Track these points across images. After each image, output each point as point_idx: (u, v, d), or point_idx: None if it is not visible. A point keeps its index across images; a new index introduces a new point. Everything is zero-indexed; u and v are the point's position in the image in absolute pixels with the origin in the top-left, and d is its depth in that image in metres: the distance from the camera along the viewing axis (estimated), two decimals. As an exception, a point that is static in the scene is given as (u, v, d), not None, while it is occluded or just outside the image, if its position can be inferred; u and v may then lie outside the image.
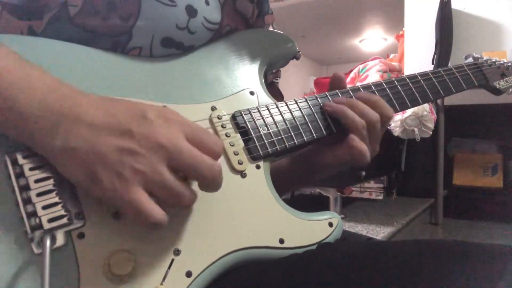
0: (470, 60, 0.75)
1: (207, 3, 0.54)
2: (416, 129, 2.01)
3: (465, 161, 2.71)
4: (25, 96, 0.36)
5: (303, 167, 0.60)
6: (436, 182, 2.40)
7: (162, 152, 0.37)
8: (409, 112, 1.98)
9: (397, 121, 2.02)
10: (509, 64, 0.78)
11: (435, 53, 2.32)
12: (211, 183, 0.40)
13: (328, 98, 0.56)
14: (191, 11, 0.52)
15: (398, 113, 2.01)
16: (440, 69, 0.67)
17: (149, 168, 0.36)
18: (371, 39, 5.99)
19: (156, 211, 0.36)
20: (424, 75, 0.64)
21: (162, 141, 0.37)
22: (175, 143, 0.37)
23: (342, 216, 2.14)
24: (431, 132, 2.05)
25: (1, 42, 0.39)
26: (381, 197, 2.50)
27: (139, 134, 0.37)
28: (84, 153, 0.36)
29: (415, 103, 0.62)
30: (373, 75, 2.38)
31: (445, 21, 2.33)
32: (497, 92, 0.75)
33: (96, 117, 0.37)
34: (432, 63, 2.32)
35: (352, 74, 2.60)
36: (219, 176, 0.40)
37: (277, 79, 0.71)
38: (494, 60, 0.77)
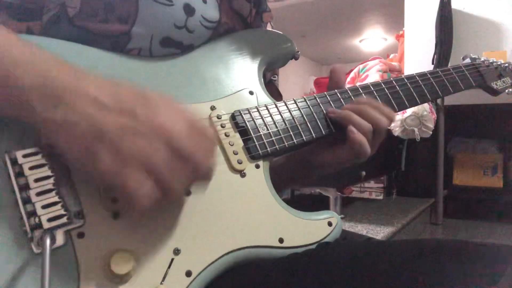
0: (468, 60, 0.76)
1: (205, 1, 0.54)
2: (416, 129, 2.01)
3: (465, 161, 2.71)
4: (29, 69, 0.36)
5: (301, 166, 0.60)
6: (436, 182, 2.40)
7: (163, 134, 0.37)
8: (409, 112, 1.98)
9: (397, 121, 2.02)
10: (506, 65, 0.79)
11: (435, 53, 2.32)
12: (205, 173, 0.40)
13: (327, 98, 0.56)
14: (189, 10, 0.52)
15: (398, 113, 2.01)
16: (438, 69, 0.67)
17: (148, 148, 0.36)
18: (371, 39, 5.99)
19: (150, 192, 0.36)
20: (422, 75, 0.64)
21: (164, 124, 0.37)
22: (177, 128, 0.38)
23: (342, 216, 2.14)
24: (431, 132, 2.05)
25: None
26: (381, 197, 2.50)
27: (142, 114, 0.37)
28: (85, 128, 0.36)
29: (413, 103, 0.62)
30: (373, 75, 2.39)
31: (445, 21, 2.33)
32: (494, 92, 0.76)
33: (100, 94, 0.37)
34: (432, 63, 2.32)
35: (352, 74, 2.60)
36: (213, 164, 0.40)
37: (275, 77, 0.71)
38: (491, 61, 0.78)
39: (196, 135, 0.39)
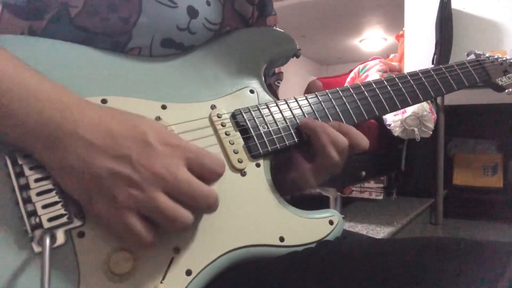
0: (472, 57, 0.74)
1: (208, 3, 0.54)
2: (416, 129, 2.01)
3: (465, 161, 2.71)
4: (22, 106, 0.36)
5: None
6: (436, 182, 2.40)
7: (158, 182, 0.37)
8: (409, 112, 1.98)
9: (397, 121, 2.02)
10: None
11: (435, 53, 2.33)
12: (206, 211, 0.41)
13: (329, 96, 0.56)
14: (192, 12, 0.52)
15: (398, 113, 2.01)
16: (441, 66, 0.66)
17: (143, 195, 0.36)
18: (371, 39, 5.99)
19: (146, 236, 0.37)
20: (425, 72, 0.64)
21: (159, 172, 0.37)
22: (173, 173, 0.37)
23: (342, 216, 2.14)
24: (431, 132, 2.05)
25: (1, 46, 0.39)
26: (381, 197, 2.50)
27: (137, 161, 0.37)
28: (80, 173, 0.36)
29: (416, 100, 0.61)
30: (373, 75, 2.38)
31: (445, 21, 2.33)
32: (499, 89, 0.75)
33: (95, 137, 0.37)
34: (432, 63, 2.32)
35: (352, 74, 2.60)
36: (215, 204, 0.40)
37: (279, 82, 0.71)
38: (496, 56, 0.76)
39: (199, 170, 0.39)
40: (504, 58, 0.77)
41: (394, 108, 0.59)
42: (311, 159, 0.52)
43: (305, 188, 0.53)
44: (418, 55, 2.54)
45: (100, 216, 0.37)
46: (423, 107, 1.98)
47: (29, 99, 0.36)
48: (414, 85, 0.61)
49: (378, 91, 0.59)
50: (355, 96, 0.57)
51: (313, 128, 0.51)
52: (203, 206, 0.39)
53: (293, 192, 0.59)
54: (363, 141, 0.52)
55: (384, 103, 0.58)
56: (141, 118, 0.40)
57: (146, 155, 0.37)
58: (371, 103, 0.57)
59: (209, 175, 0.40)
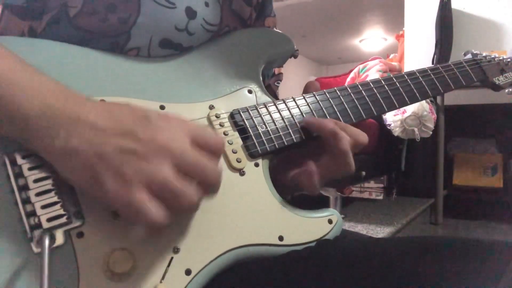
0: (469, 56, 0.74)
1: (207, 4, 0.54)
2: (416, 129, 2.01)
3: (465, 161, 2.72)
4: (26, 95, 0.36)
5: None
6: (436, 182, 2.40)
7: (166, 155, 0.37)
8: (409, 112, 1.98)
9: (397, 121, 2.02)
10: (509, 60, 0.77)
11: (435, 53, 2.33)
12: (213, 185, 0.40)
13: (326, 96, 0.56)
14: (191, 13, 0.52)
15: (398, 113, 2.01)
16: (438, 65, 0.66)
17: (152, 169, 0.36)
18: (371, 39, 6.00)
19: (156, 211, 0.36)
20: (422, 71, 0.64)
21: (166, 144, 0.37)
22: (180, 146, 0.37)
23: (342, 216, 2.14)
24: (431, 132, 2.05)
25: (1, 44, 0.39)
26: (381, 197, 2.50)
27: (143, 136, 0.37)
28: (86, 154, 0.36)
29: (414, 100, 0.61)
30: (373, 75, 2.39)
31: (445, 21, 2.33)
32: (496, 88, 0.75)
33: (99, 118, 0.37)
34: (432, 63, 2.32)
35: (352, 74, 2.60)
36: (220, 179, 0.40)
37: (278, 83, 0.71)
38: (493, 56, 0.76)
39: (200, 146, 0.39)
40: (501, 58, 0.77)
41: (392, 108, 0.59)
42: (317, 157, 0.52)
43: (309, 187, 0.53)
44: (418, 55, 2.54)
45: (108, 197, 0.36)
46: (423, 107, 1.98)
47: (33, 90, 0.37)
48: (411, 85, 0.61)
49: (375, 91, 0.59)
50: (352, 96, 0.57)
51: (321, 124, 0.51)
52: (210, 180, 0.39)
53: (297, 191, 0.59)
54: (362, 136, 0.52)
55: (382, 102, 0.58)
56: (139, 104, 0.41)
57: (150, 130, 0.37)
58: (369, 102, 0.58)
59: (211, 150, 0.40)
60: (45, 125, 0.36)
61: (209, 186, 0.40)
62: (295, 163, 0.53)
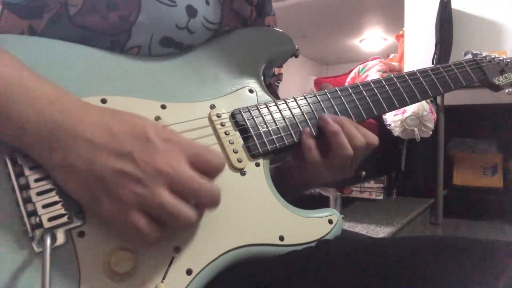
0: (469, 56, 0.75)
1: (207, 3, 0.54)
2: (416, 129, 2.01)
3: (465, 161, 2.71)
4: (23, 108, 0.36)
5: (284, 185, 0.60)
6: (436, 182, 2.40)
7: (162, 178, 0.36)
8: (409, 112, 1.98)
9: (397, 121, 2.02)
10: (509, 60, 0.78)
11: (435, 53, 2.33)
12: (209, 206, 0.40)
13: (327, 96, 0.56)
14: (191, 11, 0.52)
15: (398, 113, 2.01)
16: (439, 65, 0.66)
17: (148, 192, 0.36)
18: (371, 39, 5.99)
19: (151, 232, 0.37)
20: (423, 71, 0.64)
21: (162, 168, 0.36)
22: (176, 168, 0.37)
23: (342, 216, 2.14)
24: (431, 132, 2.05)
25: (1, 48, 0.39)
26: (381, 197, 2.50)
27: (140, 158, 0.36)
28: (82, 172, 0.36)
29: (414, 100, 0.62)
30: (373, 75, 2.38)
31: (445, 21, 2.33)
32: (496, 88, 0.75)
33: (96, 135, 0.37)
34: (432, 63, 2.32)
35: (352, 74, 2.60)
36: (218, 199, 0.40)
37: (278, 83, 0.71)
38: (493, 56, 0.76)
39: (200, 166, 0.39)
40: (501, 58, 0.77)
41: (392, 108, 0.59)
42: (324, 155, 0.53)
43: (314, 185, 0.54)
44: (418, 55, 2.53)
45: (104, 216, 0.37)
46: (423, 107, 1.98)
47: (29, 100, 0.36)
48: (412, 85, 0.62)
49: (376, 91, 0.59)
50: (353, 96, 0.57)
51: (333, 130, 0.52)
52: (207, 201, 0.39)
53: (301, 190, 0.59)
54: (373, 137, 0.54)
55: (383, 102, 0.58)
56: (140, 117, 0.40)
57: (148, 152, 0.37)
58: (370, 102, 0.58)
59: (210, 171, 0.40)
60: (42, 139, 0.36)
61: (206, 207, 0.40)
62: (304, 161, 0.53)
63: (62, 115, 0.37)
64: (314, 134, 0.53)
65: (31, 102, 0.36)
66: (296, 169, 0.57)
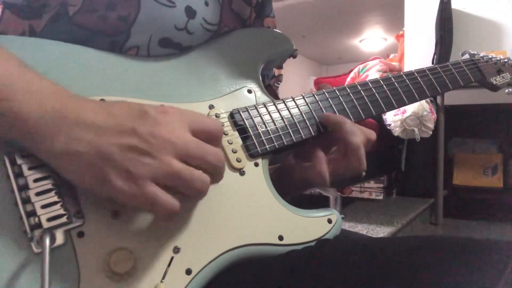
0: (467, 56, 0.75)
1: (207, 3, 0.54)
2: (416, 129, 2.01)
3: (465, 161, 2.71)
4: (24, 98, 0.36)
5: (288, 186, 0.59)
6: (436, 182, 2.40)
7: (168, 147, 0.37)
8: (409, 112, 1.98)
9: (397, 121, 2.02)
10: (506, 60, 0.79)
11: (435, 53, 2.33)
12: (218, 170, 0.40)
13: (326, 96, 0.56)
14: (190, 12, 0.52)
15: (398, 113, 2.02)
16: (436, 65, 0.67)
17: (157, 162, 0.36)
18: (371, 39, 6.00)
19: (170, 201, 0.37)
20: (420, 71, 0.64)
21: (167, 137, 0.37)
22: (179, 137, 0.38)
23: (342, 216, 2.15)
24: (431, 132, 2.05)
25: (1, 46, 0.39)
26: (381, 197, 2.50)
27: (143, 131, 0.37)
28: (89, 155, 0.36)
29: (412, 100, 0.62)
30: (373, 75, 2.38)
31: (445, 21, 2.33)
32: (493, 88, 0.76)
33: (97, 118, 0.37)
34: (432, 63, 2.32)
35: (352, 74, 2.60)
36: (224, 162, 0.41)
37: (278, 84, 0.71)
38: (490, 56, 0.77)
39: (200, 134, 0.40)
40: (498, 58, 0.78)
41: (390, 107, 0.60)
42: (328, 153, 0.53)
43: (319, 179, 0.54)
44: (418, 55, 2.54)
45: (117, 195, 0.36)
46: (423, 107, 1.98)
47: (30, 91, 0.36)
48: (410, 85, 0.62)
49: (374, 91, 0.59)
50: (352, 96, 0.57)
51: (337, 120, 0.53)
52: (216, 163, 0.39)
53: (305, 189, 0.59)
54: (371, 133, 0.55)
55: (381, 102, 0.59)
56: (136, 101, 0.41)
57: (149, 125, 0.37)
58: (368, 102, 0.58)
59: (211, 136, 0.40)
60: (44, 128, 0.36)
61: (214, 170, 0.40)
62: (304, 160, 0.54)
63: (63, 104, 0.37)
64: (313, 134, 0.53)
65: (32, 93, 0.36)
66: (297, 168, 0.57)
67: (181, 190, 0.38)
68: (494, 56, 0.77)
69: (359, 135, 0.52)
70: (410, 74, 0.63)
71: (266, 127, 0.51)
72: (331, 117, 0.54)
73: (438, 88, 0.65)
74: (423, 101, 2.00)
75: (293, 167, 0.57)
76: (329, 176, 0.53)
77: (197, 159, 0.38)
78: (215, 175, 0.40)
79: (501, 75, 0.76)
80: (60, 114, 0.36)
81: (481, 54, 0.76)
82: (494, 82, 0.75)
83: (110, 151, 0.36)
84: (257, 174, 0.49)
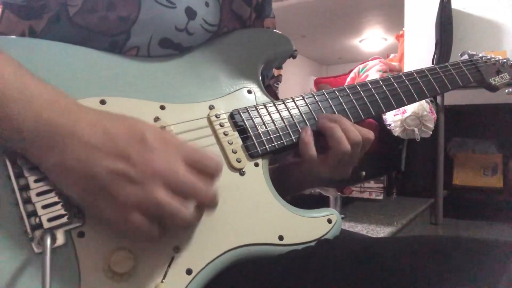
0: (466, 57, 0.75)
1: (207, 4, 0.55)
2: (416, 129, 2.01)
3: (465, 161, 2.71)
4: (20, 108, 0.36)
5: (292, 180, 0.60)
6: (436, 182, 2.40)
7: (158, 178, 0.36)
8: (409, 112, 1.98)
9: (397, 121, 2.02)
10: (504, 60, 0.79)
11: (435, 53, 2.33)
12: (207, 206, 0.40)
13: (325, 96, 0.57)
14: (191, 13, 0.52)
15: (398, 113, 2.01)
16: (436, 66, 0.67)
17: (144, 192, 0.36)
18: (371, 39, 6.00)
19: (150, 231, 0.37)
20: (419, 72, 0.65)
21: (159, 167, 0.36)
22: (172, 169, 0.37)
23: (342, 216, 2.15)
24: (431, 132, 2.05)
25: (1, 49, 0.39)
26: (381, 197, 2.50)
27: (137, 160, 0.36)
28: (79, 173, 0.36)
29: (411, 100, 0.62)
30: (373, 75, 2.39)
31: (445, 21, 2.33)
32: (492, 88, 0.76)
33: (93, 136, 0.36)
34: (432, 63, 2.32)
35: (352, 74, 2.60)
36: (215, 198, 0.40)
37: (277, 84, 0.71)
38: (489, 57, 0.77)
39: (197, 167, 0.39)
40: (496, 58, 0.78)
41: (390, 108, 0.60)
42: (322, 153, 0.53)
43: (314, 184, 0.55)
44: (418, 55, 2.54)
45: (103, 217, 0.37)
46: (423, 107, 1.98)
47: (27, 102, 0.36)
48: (409, 85, 0.62)
49: (373, 91, 0.59)
50: (351, 96, 0.58)
51: (329, 126, 0.53)
52: (204, 200, 0.39)
53: (300, 189, 0.60)
54: (369, 133, 0.55)
55: (380, 102, 0.59)
56: (138, 119, 0.40)
57: (144, 152, 0.37)
58: (367, 102, 0.58)
59: (207, 173, 0.40)
60: (39, 139, 0.36)
61: (204, 206, 0.40)
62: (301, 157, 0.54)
63: (59, 116, 0.37)
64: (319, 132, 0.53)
65: (29, 103, 0.36)
66: (296, 167, 0.57)
67: (165, 221, 0.37)
68: (493, 56, 0.78)
69: (345, 145, 0.52)
70: (409, 74, 0.63)
71: (266, 128, 0.51)
72: (325, 123, 0.53)
73: (437, 89, 0.65)
74: (423, 101, 2.00)
75: (293, 167, 0.58)
76: (327, 173, 0.54)
77: (186, 193, 0.37)
78: (207, 207, 0.40)
79: (500, 76, 0.76)
80: (55, 126, 0.36)
81: (480, 55, 0.76)
82: (493, 83, 0.75)
83: (100, 173, 0.35)
84: (257, 174, 0.49)
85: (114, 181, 0.35)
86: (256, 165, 0.49)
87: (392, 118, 2.05)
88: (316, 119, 0.54)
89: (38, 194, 0.38)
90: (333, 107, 0.56)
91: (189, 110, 0.49)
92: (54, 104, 0.37)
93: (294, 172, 0.58)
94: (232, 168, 0.48)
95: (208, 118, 0.49)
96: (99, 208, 0.36)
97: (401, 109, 2.00)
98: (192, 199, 0.38)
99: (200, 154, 0.40)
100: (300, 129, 0.53)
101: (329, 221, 0.50)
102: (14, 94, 0.36)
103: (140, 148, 0.37)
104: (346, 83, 2.41)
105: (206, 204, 0.40)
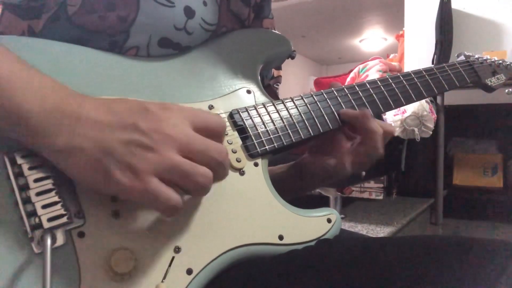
0: (462, 58, 0.76)
1: (205, 4, 0.55)
2: (416, 129, 2.01)
3: (465, 161, 2.72)
4: (26, 94, 0.36)
5: (305, 178, 0.60)
6: (436, 182, 2.40)
7: (170, 142, 0.37)
8: (409, 112, 1.98)
9: (397, 121, 2.02)
10: (500, 62, 0.80)
11: (435, 53, 2.33)
12: (221, 166, 0.40)
13: (324, 96, 0.57)
14: (189, 12, 0.52)
15: (398, 113, 2.02)
16: (433, 66, 0.68)
17: (160, 157, 0.36)
18: (371, 39, 6.00)
19: (173, 196, 0.37)
20: (417, 72, 0.65)
21: (169, 132, 0.37)
22: (182, 132, 0.38)
23: (342, 216, 2.15)
24: (431, 132, 2.05)
25: (1, 44, 0.39)
26: (381, 197, 2.50)
27: (145, 127, 0.37)
28: (91, 151, 0.36)
29: (409, 100, 0.63)
30: (373, 75, 2.39)
31: (445, 21, 2.33)
32: (488, 89, 0.77)
33: (100, 115, 0.37)
34: (432, 63, 2.32)
35: (352, 74, 2.60)
36: (227, 158, 0.41)
37: (277, 85, 0.71)
38: (485, 58, 0.78)
39: (202, 130, 0.40)
40: (492, 60, 0.79)
41: (388, 108, 0.60)
42: (347, 144, 0.56)
43: (324, 182, 0.57)
44: (418, 55, 2.54)
45: (122, 189, 0.36)
46: (423, 107, 1.98)
47: (32, 88, 0.36)
48: (407, 85, 0.63)
49: (372, 91, 0.60)
50: (349, 96, 0.58)
51: (356, 114, 0.55)
52: (219, 159, 0.39)
53: (310, 189, 0.62)
54: (390, 126, 0.57)
55: (378, 103, 0.59)
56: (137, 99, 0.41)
57: (151, 121, 0.37)
58: (366, 103, 0.59)
59: (213, 132, 0.40)
60: (46, 124, 0.36)
61: (218, 166, 0.40)
62: (324, 153, 0.57)
63: (64, 101, 0.37)
64: (312, 134, 0.54)
65: (34, 90, 0.36)
66: (318, 161, 0.58)
67: (184, 185, 0.38)
68: (489, 57, 0.79)
69: (376, 122, 0.54)
70: (407, 75, 0.64)
71: (265, 128, 0.51)
72: (350, 112, 0.56)
73: (435, 89, 0.66)
74: (423, 101, 2.00)
75: (314, 161, 0.58)
76: (351, 166, 0.55)
77: (200, 154, 0.38)
78: (219, 171, 0.40)
79: (496, 76, 0.77)
80: (61, 110, 0.36)
81: (476, 56, 0.77)
82: (489, 83, 0.76)
83: (113, 146, 0.36)
84: (257, 174, 0.49)
85: (129, 151, 0.36)
86: (256, 165, 0.49)
87: (392, 118, 2.05)
88: (316, 119, 0.54)
89: (38, 194, 0.38)
90: (332, 107, 0.56)
91: None
92: (57, 90, 0.38)
93: (309, 169, 0.59)
94: (232, 168, 0.48)
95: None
96: (114, 183, 0.36)
97: (401, 109, 2.00)
98: (205, 158, 0.38)
99: (204, 115, 0.41)
100: (299, 129, 0.53)
101: (329, 220, 0.50)
102: (18, 82, 0.36)
103: (147, 118, 0.38)
104: (346, 83, 2.41)
105: (218, 162, 0.39)
